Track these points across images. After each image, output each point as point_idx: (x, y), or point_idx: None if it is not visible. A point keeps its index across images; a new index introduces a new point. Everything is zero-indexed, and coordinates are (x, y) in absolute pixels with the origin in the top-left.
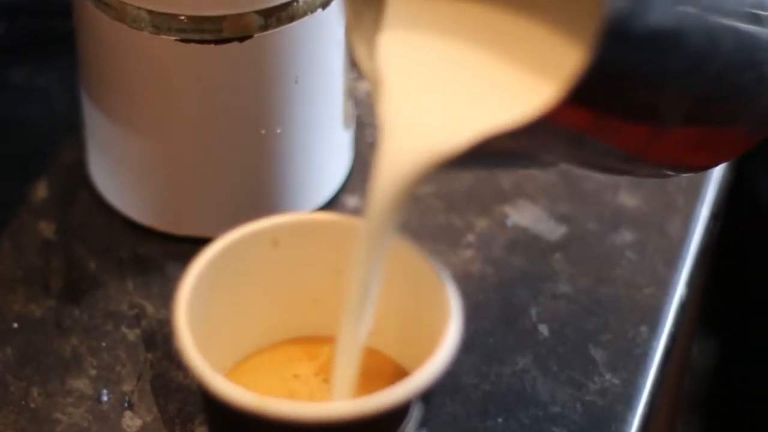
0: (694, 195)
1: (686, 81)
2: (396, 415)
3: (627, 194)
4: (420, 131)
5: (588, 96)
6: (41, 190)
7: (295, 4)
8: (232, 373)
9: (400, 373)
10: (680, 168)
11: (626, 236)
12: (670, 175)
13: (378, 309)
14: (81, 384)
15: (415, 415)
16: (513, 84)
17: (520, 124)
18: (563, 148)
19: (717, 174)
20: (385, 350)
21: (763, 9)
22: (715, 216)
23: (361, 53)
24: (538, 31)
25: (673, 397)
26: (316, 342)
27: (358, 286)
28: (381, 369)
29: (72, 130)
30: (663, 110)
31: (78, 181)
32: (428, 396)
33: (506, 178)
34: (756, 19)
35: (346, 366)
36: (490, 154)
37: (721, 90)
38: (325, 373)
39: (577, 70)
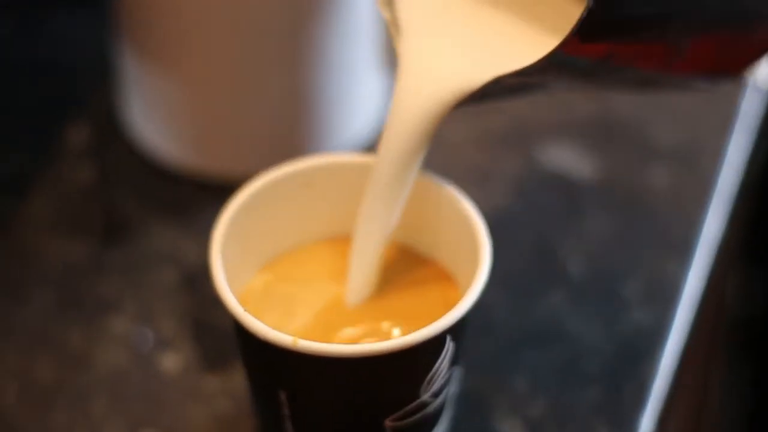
0: (725, 132)
1: (692, 12)
2: (427, 353)
3: (659, 132)
4: (436, 71)
5: (594, 35)
6: (78, 136)
7: None
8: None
9: (449, 282)
10: (707, 78)
11: (657, 174)
12: (700, 88)
13: (428, 227)
14: (121, 325)
15: (449, 353)
16: (525, 28)
17: (528, 65)
18: (575, 80)
19: (748, 108)
20: (438, 260)
21: None
22: (754, 155)
23: (379, 1)
24: None
25: (709, 337)
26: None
27: (369, 221)
28: (430, 277)
29: (107, 76)
30: (673, 39)
31: (115, 126)
32: (461, 335)
33: (537, 118)
34: None
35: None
36: (505, 89)
37: (728, 11)
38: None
39: (578, 18)
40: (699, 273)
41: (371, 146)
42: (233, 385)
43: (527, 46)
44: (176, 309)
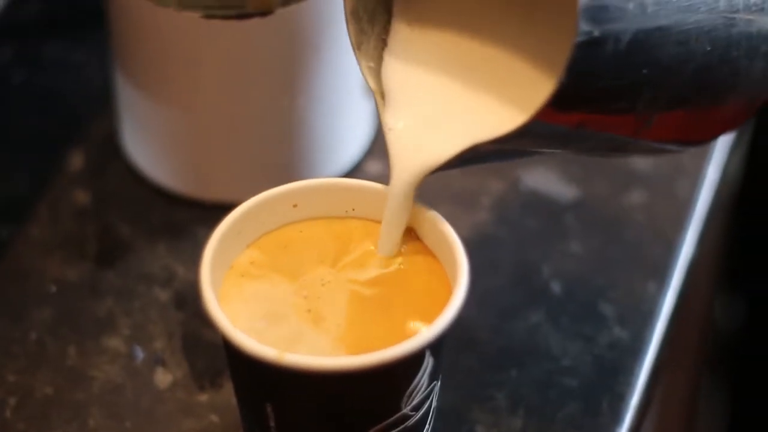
0: (702, 157)
1: (662, 86)
2: (408, 367)
3: (636, 157)
4: (416, 146)
5: (566, 106)
6: (76, 160)
7: None
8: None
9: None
10: (678, 144)
11: (635, 197)
12: (672, 151)
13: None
14: (115, 343)
15: (428, 367)
16: (500, 99)
17: (503, 134)
18: (550, 146)
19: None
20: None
21: (734, 11)
22: (727, 176)
23: (366, 71)
24: (522, 56)
25: (694, 356)
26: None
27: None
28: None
29: (105, 103)
30: (642, 110)
31: (111, 151)
32: (439, 350)
33: None
34: (729, 22)
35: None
36: (484, 154)
37: (698, 86)
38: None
39: (549, 93)
40: (675, 292)
41: (359, 169)
42: (222, 399)
43: (502, 115)
44: (168, 327)
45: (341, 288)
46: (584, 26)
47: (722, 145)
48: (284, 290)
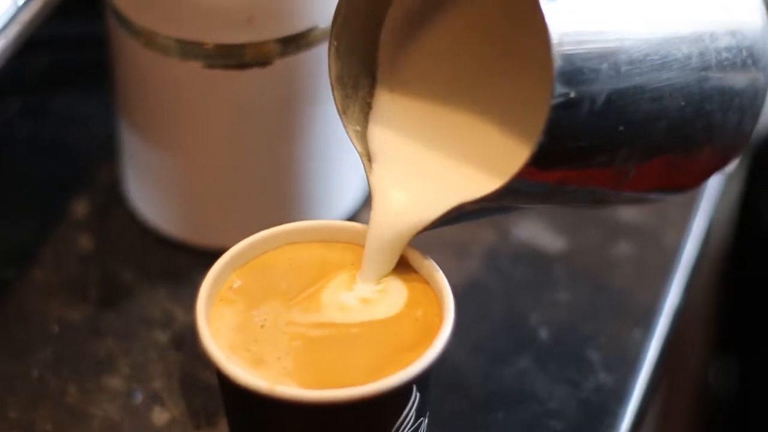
0: (688, 208)
1: (638, 141)
2: (395, 401)
3: (624, 208)
4: (401, 208)
5: (546, 165)
6: (81, 207)
7: (312, 32)
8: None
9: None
10: (660, 193)
11: (623, 248)
12: (656, 200)
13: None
14: (115, 382)
15: (415, 402)
16: (482, 160)
17: (485, 195)
18: (533, 202)
19: (712, 188)
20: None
21: (706, 68)
22: (714, 227)
23: (352, 135)
24: (501, 119)
25: (687, 414)
26: None
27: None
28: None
29: (110, 153)
30: (621, 164)
31: (115, 198)
32: (426, 386)
33: None
34: (702, 78)
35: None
36: (467, 214)
37: (674, 140)
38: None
39: (529, 154)
40: (660, 339)
41: (355, 218)
42: None
43: (484, 177)
44: (166, 368)
45: (279, 330)
46: (560, 89)
47: (708, 197)
48: (234, 322)
